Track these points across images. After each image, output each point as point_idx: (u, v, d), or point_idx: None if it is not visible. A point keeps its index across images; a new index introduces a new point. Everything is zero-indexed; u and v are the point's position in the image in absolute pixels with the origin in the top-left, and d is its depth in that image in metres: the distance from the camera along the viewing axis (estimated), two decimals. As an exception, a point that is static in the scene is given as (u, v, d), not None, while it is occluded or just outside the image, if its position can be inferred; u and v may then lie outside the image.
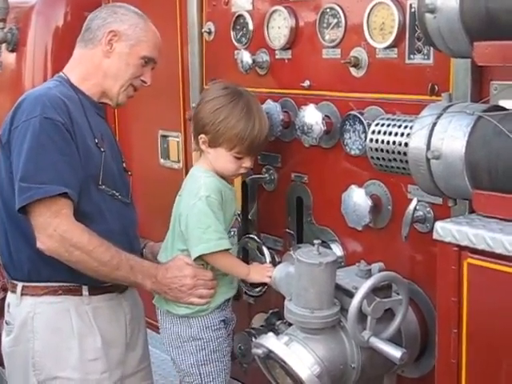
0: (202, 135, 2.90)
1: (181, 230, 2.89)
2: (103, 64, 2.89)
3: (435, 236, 2.01)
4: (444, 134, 2.04)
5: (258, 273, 2.86)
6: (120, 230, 2.88)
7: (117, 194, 2.88)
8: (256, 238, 3.24)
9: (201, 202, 2.81)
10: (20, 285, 2.82)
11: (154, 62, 2.97)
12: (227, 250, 2.84)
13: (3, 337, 2.96)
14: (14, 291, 2.86)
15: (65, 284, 2.80)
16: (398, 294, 2.43)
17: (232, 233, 3.00)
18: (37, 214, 2.64)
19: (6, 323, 2.93)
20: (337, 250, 2.90)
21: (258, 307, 3.35)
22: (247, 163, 2.93)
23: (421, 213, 2.56)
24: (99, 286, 2.84)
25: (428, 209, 2.56)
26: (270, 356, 2.39)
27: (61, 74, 2.96)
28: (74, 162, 2.69)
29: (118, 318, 2.94)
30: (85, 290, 2.82)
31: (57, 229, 2.63)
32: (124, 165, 3.07)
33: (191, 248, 2.85)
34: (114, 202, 2.88)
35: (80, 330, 2.81)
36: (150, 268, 2.87)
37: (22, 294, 2.82)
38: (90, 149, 2.78)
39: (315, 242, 2.40)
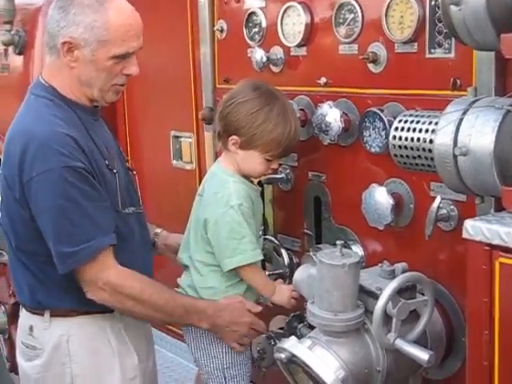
0: (234, 137, 2.80)
1: (207, 236, 2.83)
2: (73, 74, 2.61)
3: (465, 235, 1.95)
4: (471, 130, 1.99)
5: (282, 294, 2.85)
6: (141, 242, 2.81)
7: (132, 208, 2.77)
8: (273, 239, 3.18)
9: (233, 210, 2.75)
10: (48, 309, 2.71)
11: (131, 53, 2.62)
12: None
13: (22, 360, 2.82)
14: (39, 314, 2.71)
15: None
16: (422, 294, 2.38)
17: (260, 232, 2.96)
18: (82, 271, 2.55)
19: (27, 347, 2.77)
20: (357, 250, 2.84)
21: (276, 310, 3.28)
22: (276, 165, 2.89)
23: (444, 211, 2.50)
24: None
25: (452, 206, 2.51)
26: (292, 360, 2.34)
27: (43, 82, 2.67)
28: (105, 204, 2.59)
29: (142, 331, 2.88)
30: None
31: (107, 283, 2.56)
32: (127, 164, 2.95)
33: (224, 258, 2.79)
34: (132, 219, 2.76)
35: (119, 349, 2.73)
36: (207, 309, 2.77)
37: (51, 316, 2.69)
38: (107, 178, 2.63)
39: (338, 242, 2.35)
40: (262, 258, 2.85)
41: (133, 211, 2.75)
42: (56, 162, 2.46)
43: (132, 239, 2.74)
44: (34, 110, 2.65)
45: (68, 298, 2.66)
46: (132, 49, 2.60)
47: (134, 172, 2.98)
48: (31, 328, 2.74)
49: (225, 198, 2.78)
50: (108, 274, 2.55)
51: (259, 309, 2.86)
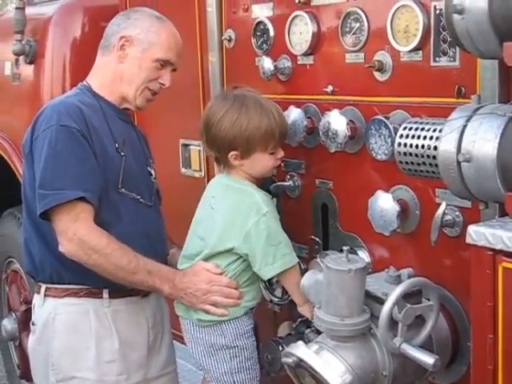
0: (232, 152, 2.86)
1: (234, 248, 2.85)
2: (118, 69, 2.95)
3: (468, 240, 1.98)
4: (475, 137, 2.02)
5: (310, 311, 2.80)
6: (140, 233, 2.90)
7: (138, 196, 2.91)
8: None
9: (266, 218, 2.80)
10: (44, 286, 2.91)
11: (171, 63, 2.98)
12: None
13: (30, 336, 3.05)
14: (38, 292, 2.95)
15: (86, 287, 2.85)
16: (427, 299, 2.40)
17: None
18: (57, 219, 2.71)
19: (32, 323, 3.02)
20: (363, 256, 2.86)
21: (284, 315, 3.31)
22: (281, 153, 2.95)
23: (450, 217, 2.52)
24: (120, 290, 2.87)
25: (457, 213, 2.52)
26: (300, 365, 2.36)
27: (84, 82, 3.03)
28: (92, 166, 2.74)
29: (140, 321, 2.98)
30: (105, 293, 2.87)
31: (76, 233, 2.68)
32: (149, 169, 3.10)
33: (266, 266, 2.81)
34: (136, 205, 2.91)
35: (98, 331, 2.86)
36: (168, 272, 2.88)
37: (45, 295, 2.90)
38: (109, 153, 2.82)
39: (344, 248, 2.37)
40: (298, 260, 2.88)
41: (134, 197, 2.89)
42: (55, 121, 2.73)
43: (129, 223, 2.87)
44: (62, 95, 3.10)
45: (62, 269, 2.85)
46: (173, 59, 2.97)
47: (155, 177, 3.14)
48: (34, 306, 3.01)
49: (254, 207, 2.82)
50: (79, 224, 2.69)
51: (218, 271, 2.88)
